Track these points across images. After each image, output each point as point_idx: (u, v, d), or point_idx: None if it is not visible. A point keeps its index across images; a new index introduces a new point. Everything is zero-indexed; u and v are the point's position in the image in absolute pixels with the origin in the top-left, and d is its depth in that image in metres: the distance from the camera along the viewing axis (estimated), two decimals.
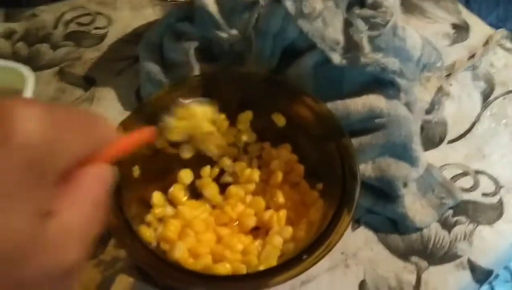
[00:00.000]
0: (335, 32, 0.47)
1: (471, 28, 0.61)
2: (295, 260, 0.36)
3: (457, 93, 0.55)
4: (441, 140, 0.52)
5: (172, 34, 0.54)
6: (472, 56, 0.58)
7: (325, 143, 0.43)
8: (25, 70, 0.48)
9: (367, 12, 0.47)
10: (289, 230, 0.40)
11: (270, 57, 0.49)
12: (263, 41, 0.48)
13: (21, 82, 0.48)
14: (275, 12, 0.46)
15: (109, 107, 0.53)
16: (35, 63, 0.56)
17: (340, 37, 0.47)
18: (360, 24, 0.46)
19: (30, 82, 0.47)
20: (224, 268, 0.38)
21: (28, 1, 0.62)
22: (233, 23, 0.51)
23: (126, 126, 0.43)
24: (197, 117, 0.41)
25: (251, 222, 0.43)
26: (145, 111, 0.44)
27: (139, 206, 0.43)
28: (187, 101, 0.41)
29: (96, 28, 0.60)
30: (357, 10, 0.47)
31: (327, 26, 0.47)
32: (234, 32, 0.51)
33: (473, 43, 0.60)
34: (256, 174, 0.45)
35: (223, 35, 0.51)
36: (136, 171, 0.42)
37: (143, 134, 0.32)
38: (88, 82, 0.55)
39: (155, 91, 0.51)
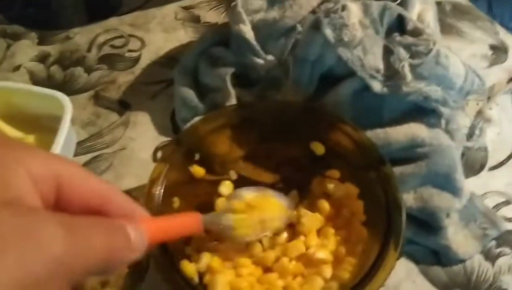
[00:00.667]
0: (375, 59, 0.46)
1: (509, 49, 0.60)
2: None
3: (497, 117, 0.54)
4: (481, 167, 0.51)
5: (207, 59, 0.53)
6: (511, 79, 0.57)
7: (366, 173, 0.43)
8: (64, 98, 0.48)
9: (408, 39, 0.46)
10: (328, 271, 0.39)
11: (307, 84, 0.48)
12: (301, 68, 0.47)
13: (60, 109, 0.48)
14: (314, 40, 0.46)
15: (144, 131, 0.53)
16: (70, 87, 0.56)
17: (380, 65, 0.46)
18: (402, 52, 0.45)
19: (68, 110, 0.47)
20: None
21: (62, 23, 0.62)
22: (269, 49, 0.51)
23: (165, 158, 0.43)
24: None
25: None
26: (183, 141, 0.44)
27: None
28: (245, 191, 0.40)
29: (130, 50, 0.60)
30: (397, 38, 0.47)
31: (366, 53, 0.46)
32: (270, 58, 0.51)
33: None
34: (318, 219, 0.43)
35: (260, 61, 0.50)
36: (176, 202, 0.42)
37: (189, 226, 0.34)
38: (123, 106, 0.55)
39: (191, 116, 0.52)
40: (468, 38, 0.61)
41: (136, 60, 0.59)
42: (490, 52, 0.60)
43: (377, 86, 0.45)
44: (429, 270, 0.45)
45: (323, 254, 0.40)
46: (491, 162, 0.51)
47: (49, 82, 0.57)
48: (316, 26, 0.46)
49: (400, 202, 0.39)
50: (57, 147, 0.45)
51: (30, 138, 0.49)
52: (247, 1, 0.50)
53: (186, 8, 0.65)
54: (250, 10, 0.50)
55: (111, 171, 0.50)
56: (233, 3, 0.49)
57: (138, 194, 0.49)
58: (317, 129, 0.46)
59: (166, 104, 0.55)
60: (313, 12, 0.50)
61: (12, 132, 0.50)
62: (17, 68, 0.59)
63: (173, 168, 0.43)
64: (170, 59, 0.59)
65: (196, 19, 0.63)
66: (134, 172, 0.50)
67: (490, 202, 0.48)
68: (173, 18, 0.64)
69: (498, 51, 0.60)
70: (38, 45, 0.61)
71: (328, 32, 0.45)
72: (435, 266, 0.45)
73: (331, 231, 0.42)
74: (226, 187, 0.46)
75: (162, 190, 0.41)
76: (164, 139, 0.53)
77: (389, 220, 0.39)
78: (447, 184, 0.45)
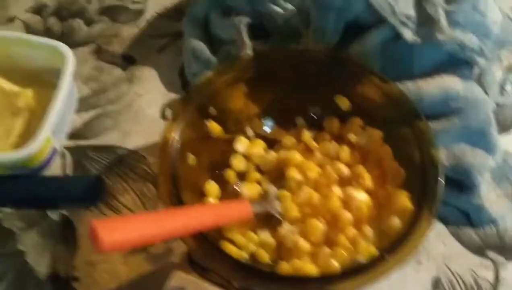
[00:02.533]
0: (406, 5, 0.43)
1: None
2: (378, 261, 0.33)
3: None
4: (510, 125, 0.48)
5: (219, 8, 0.49)
6: None
7: (398, 128, 0.40)
8: (65, 49, 0.44)
9: None
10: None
11: (332, 33, 0.44)
12: (325, 16, 0.44)
13: (60, 62, 0.44)
14: None
15: (151, 87, 0.50)
16: (69, 40, 0.52)
17: (412, 12, 0.43)
18: None
19: (70, 62, 0.43)
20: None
21: None
22: None
23: (178, 113, 0.39)
24: None
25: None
26: (196, 96, 0.41)
27: (194, 194, 0.40)
28: None
29: (133, 2, 0.56)
30: None
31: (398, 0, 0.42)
32: (289, 6, 0.47)
33: None
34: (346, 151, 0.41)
35: (278, 10, 0.46)
36: (192, 158, 0.39)
37: (241, 213, 0.37)
38: (127, 60, 0.51)
39: (202, 70, 0.48)
40: None
41: (141, 12, 0.55)
42: None
43: (408, 34, 0.42)
44: (460, 232, 0.42)
45: (361, 195, 0.38)
46: None
47: (46, 34, 0.52)
48: None
49: (437, 161, 0.37)
50: (58, 101, 0.41)
51: (28, 92, 0.45)
52: None
53: None
54: None
55: (117, 128, 0.47)
56: None
57: (147, 152, 0.46)
58: (342, 81, 0.43)
59: (174, 59, 0.51)
60: None
61: (8, 86, 0.46)
62: (11, 19, 0.54)
63: (187, 124, 0.39)
64: (177, 12, 0.55)
65: None
66: (141, 130, 0.47)
67: None
68: None
69: None
70: None
71: None
72: (465, 227, 0.43)
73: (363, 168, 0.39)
74: (241, 144, 0.43)
75: (178, 146, 0.38)
76: (172, 95, 0.49)
77: (425, 181, 0.36)
78: (481, 140, 0.42)
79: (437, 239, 0.42)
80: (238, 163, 0.43)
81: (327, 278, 0.34)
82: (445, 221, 0.43)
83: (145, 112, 0.48)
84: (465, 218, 0.43)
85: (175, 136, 0.38)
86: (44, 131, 0.40)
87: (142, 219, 0.31)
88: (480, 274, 0.40)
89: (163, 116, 0.48)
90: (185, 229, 0.32)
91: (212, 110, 0.41)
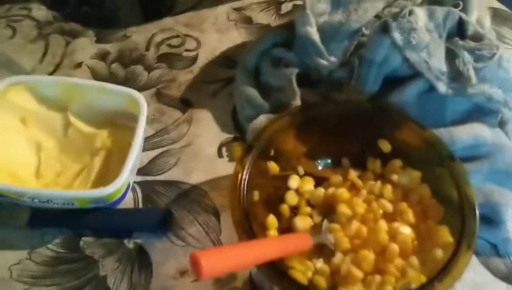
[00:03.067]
0: (439, 62, 0.49)
1: None
2: (427, 288, 0.38)
3: None
4: None
5: (269, 59, 0.56)
6: None
7: (436, 169, 0.45)
8: (139, 96, 0.50)
9: (470, 44, 0.49)
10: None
11: (372, 84, 0.50)
12: (368, 69, 0.50)
13: (132, 106, 0.50)
14: (382, 42, 0.48)
15: (207, 128, 0.55)
16: (132, 85, 0.58)
17: (444, 68, 0.49)
18: (466, 56, 0.48)
19: (144, 108, 0.49)
20: None
21: (118, 22, 0.64)
22: (332, 51, 0.53)
23: (244, 156, 0.45)
24: None
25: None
26: (257, 140, 0.46)
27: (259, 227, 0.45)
28: None
29: (186, 50, 0.62)
30: (459, 42, 0.49)
31: (431, 56, 0.49)
32: (333, 59, 0.53)
33: None
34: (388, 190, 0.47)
35: (324, 62, 0.53)
36: (256, 195, 0.45)
37: (303, 244, 0.42)
38: (185, 103, 0.57)
39: (255, 114, 0.54)
40: (508, 43, 0.64)
41: (194, 59, 0.61)
42: None
43: (442, 87, 0.48)
44: (489, 261, 0.47)
45: (405, 229, 0.43)
46: None
47: (111, 79, 0.59)
48: (384, 30, 0.48)
49: (473, 200, 0.42)
50: (136, 144, 0.47)
51: (104, 133, 0.51)
52: (314, 4, 0.52)
53: (237, 9, 0.67)
54: (315, 13, 0.52)
55: (180, 166, 0.52)
56: (300, 7, 0.52)
57: (208, 187, 0.51)
58: (383, 126, 0.49)
59: (226, 102, 0.57)
60: (378, 16, 0.53)
61: (86, 128, 0.51)
62: (78, 65, 0.60)
63: (252, 164, 0.45)
64: (226, 59, 0.61)
65: (248, 20, 0.66)
66: (201, 167, 0.52)
67: None
68: (225, 19, 0.66)
69: None
70: (97, 43, 0.63)
71: (397, 36, 0.48)
72: (493, 257, 0.48)
73: (405, 205, 0.45)
74: (294, 181, 0.49)
75: (246, 184, 0.44)
76: (227, 135, 0.55)
77: (463, 217, 0.42)
78: (507, 181, 0.48)
79: (469, 268, 0.47)
80: (291, 198, 0.48)
81: None
82: (475, 252, 0.48)
83: (204, 151, 0.54)
84: (493, 249, 0.48)
85: (244, 175, 0.44)
86: (125, 171, 0.45)
87: (233, 249, 0.36)
88: None
89: (220, 155, 0.54)
90: (263, 258, 0.38)
91: (271, 152, 0.47)
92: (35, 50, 0.62)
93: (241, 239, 0.41)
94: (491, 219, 0.47)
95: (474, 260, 0.48)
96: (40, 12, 0.66)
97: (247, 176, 0.44)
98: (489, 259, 0.48)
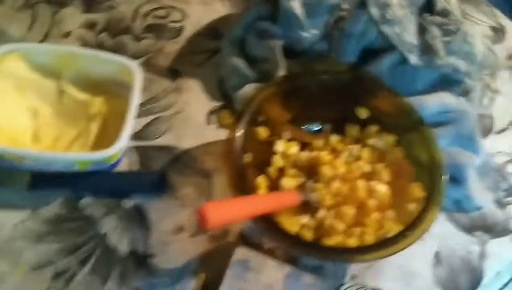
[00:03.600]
0: (411, 36, 0.53)
1: (506, 30, 0.69)
2: (401, 237, 0.43)
3: (500, 89, 0.63)
4: (489, 131, 0.60)
5: (254, 32, 0.59)
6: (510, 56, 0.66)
7: (408, 134, 0.50)
8: (133, 65, 0.52)
9: (438, 19, 0.54)
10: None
11: (350, 56, 0.55)
12: (347, 41, 0.54)
13: (126, 74, 0.52)
14: (360, 17, 0.52)
15: (196, 97, 0.58)
16: (121, 54, 0.60)
17: (415, 41, 0.54)
18: (435, 31, 0.52)
19: (138, 76, 0.51)
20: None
21: None
22: (313, 24, 0.57)
23: (234, 121, 0.48)
24: None
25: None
26: (249, 110, 0.50)
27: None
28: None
29: (172, 21, 0.65)
30: (428, 17, 0.54)
31: (404, 31, 0.53)
32: (314, 32, 0.57)
33: (510, 44, 0.67)
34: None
35: (306, 35, 0.56)
36: (248, 157, 0.48)
37: (289, 201, 0.46)
38: (173, 73, 0.60)
39: (241, 84, 0.57)
40: (471, 20, 0.70)
41: (180, 30, 0.64)
42: (491, 33, 0.68)
43: (414, 59, 0.53)
44: (453, 216, 0.53)
45: (381, 187, 0.48)
46: (496, 127, 0.60)
47: (100, 49, 0.60)
48: (362, 5, 0.52)
49: (441, 161, 0.47)
50: (132, 110, 0.49)
51: (98, 100, 0.53)
52: None
53: None
54: None
55: (171, 132, 0.56)
56: None
57: (199, 152, 0.55)
58: (360, 94, 0.53)
59: (213, 72, 0.60)
60: None
61: (81, 95, 0.53)
62: (67, 34, 0.62)
63: (243, 129, 0.49)
64: (211, 30, 0.64)
65: None
66: (191, 133, 0.56)
67: (498, 161, 0.57)
68: None
69: (498, 32, 0.69)
70: (84, 13, 0.64)
71: (374, 11, 0.52)
72: (457, 213, 0.54)
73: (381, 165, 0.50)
74: (280, 145, 0.53)
75: (238, 147, 0.47)
76: (214, 104, 0.58)
77: (432, 176, 0.47)
78: (470, 144, 0.53)
79: (436, 222, 0.53)
80: (278, 161, 0.52)
81: (363, 248, 0.44)
82: (442, 208, 0.54)
83: (193, 118, 0.57)
84: (456, 205, 0.54)
85: (237, 139, 0.47)
86: (124, 135, 0.48)
87: (233, 203, 0.40)
88: (470, 249, 0.51)
89: (209, 121, 0.57)
90: (258, 211, 0.42)
91: (260, 118, 0.50)
92: (22, 19, 0.62)
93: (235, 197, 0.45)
94: (456, 178, 0.53)
95: (441, 215, 0.53)
96: None
97: (240, 140, 0.48)
98: (454, 215, 0.54)
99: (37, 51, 0.53)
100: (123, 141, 0.48)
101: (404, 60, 0.54)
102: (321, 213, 0.48)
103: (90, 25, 0.63)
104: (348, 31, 0.54)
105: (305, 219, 0.48)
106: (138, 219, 0.50)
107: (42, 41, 0.61)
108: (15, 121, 0.51)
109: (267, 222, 0.44)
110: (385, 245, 0.43)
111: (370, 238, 0.46)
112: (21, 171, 0.50)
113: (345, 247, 0.45)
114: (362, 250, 0.44)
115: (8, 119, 0.50)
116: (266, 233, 0.43)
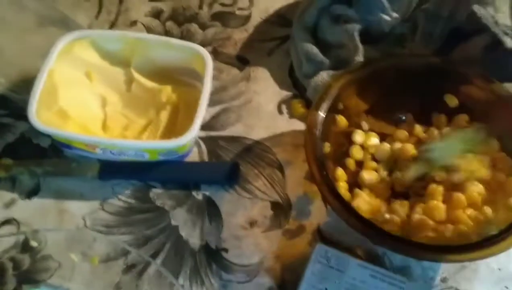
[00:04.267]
0: (505, 17, 0.49)
1: None
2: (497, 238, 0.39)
3: None
4: None
5: (328, 16, 0.55)
6: None
7: (504, 123, 0.46)
8: (205, 52, 0.50)
9: None
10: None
11: (438, 39, 0.50)
12: (433, 24, 0.50)
13: (195, 62, 0.50)
14: None
15: (266, 85, 0.56)
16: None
17: (509, 22, 0.49)
18: None
19: (210, 64, 0.49)
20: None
21: None
22: (395, 6, 0.53)
23: (314, 109, 0.45)
24: None
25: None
26: (328, 97, 0.46)
27: None
28: None
29: (239, 9, 0.62)
30: None
31: (497, 11, 0.49)
32: (395, 15, 0.53)
33: None
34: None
35: (387, 18, 0.52)
36: (327, 147, 0.45)
37: None
38: (241, 61, 0.58)
39: (315, 71, 0.54)
40: None
41: (247, 18, 0.61)
42: None
43: (509, 42, 0.48)
44: None
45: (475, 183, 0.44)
46: None
47: (167, 37, 0.59)
48: None
49: None
50: (204, 99, 0.47)
51: (167, 88, 0.51)
52: None
53: None
54: None
55: (241, 122, 0.53)
56: None
57: (270, 143, 0.52)
58: (447, 81, 0.49)
59: (282, 60, 0.57)
60: None
61: (150, 84, 0.52)
62: (133, 23, 0.60)
63: (323, 117, 0.45)
64: (279, 17, 0.61)
65: None
66: (262, 123, 0.53)
67: None
68: None
69: None
70: (150, 1, 0.62)
71: None
72: None
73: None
74: (359, 136, 0.49)
75: (319, 135, 0.44)
76: (285, 93, 0.55)
77: None
78: None
79: None
80: (357, 152, 0.49)
81: (457, 247, 0.40)
82: None
83: (264, 108, 0.54)
84: None
85: (317, 127, 0.44)
86: (196, 125, 0.45)
87: None
88: None
89: (280, 111, 0.54)
90: None
91: (339, 106, 0.47)
92: (89, 8, 0.61)
93: (318, 188, 0.41)
94: None
95: None
96: None
97: (320, 128, 0.44)
98: None
99: (106, 37, 0.52)
100: (195, 130, 0.45)
101: (495, 43, 0.49)
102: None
103: (156, 14, 0.61)
104: (434, 13, 0.49)
105: (388, 214, 0.45)
106: (209, 212, 0.47)
107: (109, 29, 0.60)
108: (85, 109, 0.50)
109: (349, 211, 0.40)
110: (483, 245, 0.39)
111: (464, 237, 0.42)
112: (90, 160, 0.49)
113: (437, 245, 0.41)
114: (456, 249, 0.40)
115: (78, 107, 0.49)
116: (349, 224, 0.40)
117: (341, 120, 0.47)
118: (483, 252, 0.39)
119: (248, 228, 0.47)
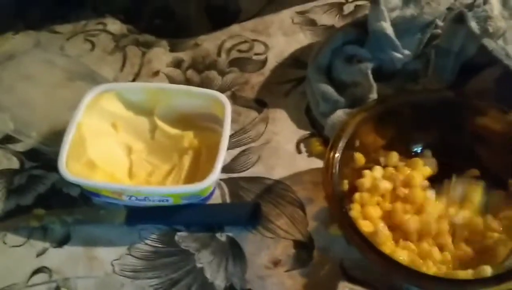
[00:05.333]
0: None
1: None
2: None
3: None
4: None
5: (342, 57, 0.57)
6: None
7: None
8: (224, 98, 0.52)
9: None
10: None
11: (450, 74, 0.51)
12: (445, 59, 0.51)
13: (215, 108, 0.53)
14: (458, 32, 0.50)
15: (284, 126, 0.57)
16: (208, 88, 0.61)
17: None
18: None
19: (229, 109, 0.51)
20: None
21: (189, 32, 0.67)
22: (405, 44, 0.54)
23: (332, 148, 0.46)
24: None
25: None
26: (345, 135, 0.47)
27: None
28: None
29: (256, 54, 0.65)
30: None
31: (508, 43, 0.50)
32: (407, 52, 0.54)
33: None
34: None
35: (398, 56, 0.54)
36: (345, 184, 0.46)
37: None
38: (259, 104, 0.60)
39: (331, 110, 0.55)
40: None
41: (264, 62, 0.64)
42: None
43: None
44: None
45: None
46: None
47: (188, 85, 0.61)
48: (460, 20, 0.49)
49: None
50: (224, 143, 0.49)
51: (189, 134, 0.53)
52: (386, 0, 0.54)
53: (300, 13, 0.69)
54: (388, 8, 0.54)
55: (261, 162, 0.54)
56: (373, 2, 0.53)
57: (290, 182, 0.53)
58: (462, 114, 0.49)
59: (299, 101, 0.59)
60: (449, 8, 0.54)
61: (172, 130, 0.54)
62: (156, 73, 0.64)
63: (340, 155, 0.46)
64: (295, 60, 0.63)
65: (312, 23, 0.67)
66: (282, 163, 0.54)
67: None
68: (290, 22, 0.68)
69: None
70: (171, 52, 0.66)
71: (473, 25, 0.49)
72: None
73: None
74: (378, 172, 0.50)
75: (337, 174, 0.45)
76: (303, 132, 0.57)
77: None
78: None
79: None
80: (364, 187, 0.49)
81: (482, 280, 0.39)
82: None
83: (283, 148, 0.55)
84: None
85: (335, 166, 0.45)
86: (217, 167, 0.47)
87: None
88: None
89: (299, 151, 0.55)
90: None
91: (356, 143, 0.48)
92: (114, 61, 0.65)
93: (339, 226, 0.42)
94: None
95: None
96: (115, 26, 0.70)
97: (337, 166, 0.45)
98: None
99: (130, 89, 0.55)
100: (216, 174, 0.47)
101: (507, 74, 0.49)
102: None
103: (177, 63, 0.64)
104: (446, 48, 0.51)
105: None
106: (233, 253, 0.48)
107: (133, 80, 0.63)
108: (112, 158, 0.52)
109: (371, 249, 0.41)
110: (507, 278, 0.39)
111: (487, 270, 0.41)
112: (118, 207, 0.51)
113: (465, 280, 0.40)
114: (484, 282, 0.39)
115: (105, 156, 0.52)
116: (372, 262, 0.40)
117: (359, 158, 0.48)
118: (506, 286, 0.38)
119: (272, 268, 0.47)
